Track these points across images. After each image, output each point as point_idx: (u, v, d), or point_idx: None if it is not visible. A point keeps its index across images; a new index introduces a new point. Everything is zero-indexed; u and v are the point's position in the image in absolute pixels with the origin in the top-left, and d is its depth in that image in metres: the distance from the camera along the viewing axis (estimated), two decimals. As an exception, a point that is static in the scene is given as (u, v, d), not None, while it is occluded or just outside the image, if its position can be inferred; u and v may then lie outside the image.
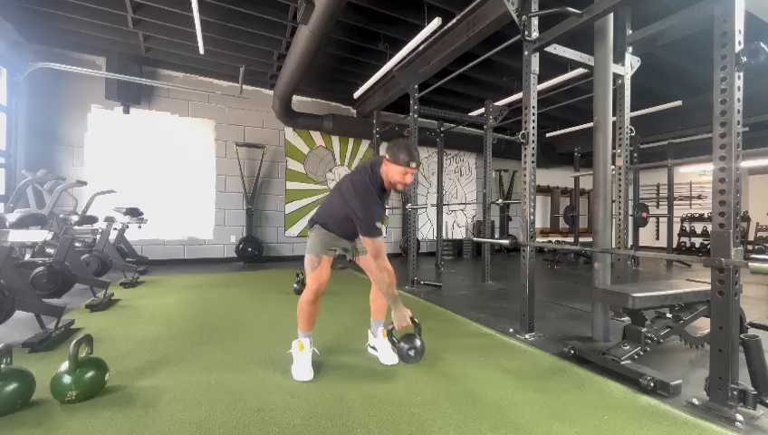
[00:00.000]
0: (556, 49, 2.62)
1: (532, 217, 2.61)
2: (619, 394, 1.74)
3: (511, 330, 2.66)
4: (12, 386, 1.49)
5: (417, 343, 1.95)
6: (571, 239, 8.64)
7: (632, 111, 3.22)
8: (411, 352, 1.93)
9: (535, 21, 2.59)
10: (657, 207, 10.08)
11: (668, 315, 2.15)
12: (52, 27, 4.68)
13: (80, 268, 3.33)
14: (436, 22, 3.67)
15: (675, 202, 7.48)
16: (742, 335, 1.62)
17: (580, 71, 4.55)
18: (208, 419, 1.48)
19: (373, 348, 2.19)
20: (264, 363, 2.02)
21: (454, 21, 3.91)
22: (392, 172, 1.89)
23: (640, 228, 6.88)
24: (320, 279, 1.96)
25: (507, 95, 5.84)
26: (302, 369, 1.88)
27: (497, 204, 7.80)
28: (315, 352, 2.02)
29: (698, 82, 5.39)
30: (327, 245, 2.02)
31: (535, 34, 2.57)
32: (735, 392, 1.54)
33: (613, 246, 2.78)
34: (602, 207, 2.48)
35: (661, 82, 5.75)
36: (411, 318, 1.95)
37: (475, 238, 4.69)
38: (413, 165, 1.87)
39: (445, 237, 8.08)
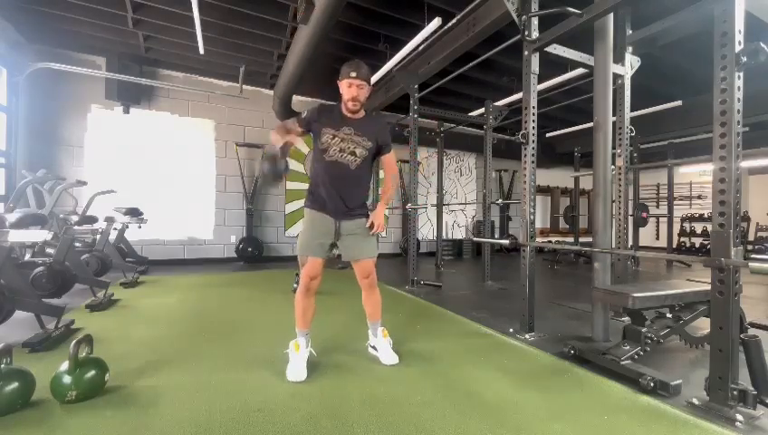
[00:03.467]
0: (556, 49, 2.62)
1: (532, 217, 2.61)
2: (619, 394, 1.74)
3: (511, 330, 2.66)
4: (12, 386, 1.49)
5: (279, 165, 1.88)
6: (571, 239, 8.64)
7: (632, 111, 3.22)
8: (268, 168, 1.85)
9: (535, 21, 2.59)
10: (657, 207, 10.09)
11: (668, 315, 2.15)
12: (52, 27, 4.68)
13: (80, 268, 3.33)
14: (436, 22, 3.67)
15: (675, 202, 7.48)
16: (742, 335, 1.62)
17: (580, 71, 4.55)
18: (208, 419, 1.48)
19: (373, 348, 2.19)
20: (264, 363, 2.02)
21: (454, 21, 3.91)
22: (342, 91, 1.93)
23: (640, 228, 6.87)
24: (310, 273, 1.97)
25: (507, 95, 5.84)
26: (295, 369, 1.88)
27: (497, 204, 7.81)
28: (312, 353, 2.02)
29: (698, 82, 5.39)
30: (313, 244, 1.97)
31: (535, 34, 2.57)
32: (735, 392, 1.54)
33: (613, 246, 2.78)
34: (602, 207, 2.48)
35: (661, 82, 5.75)
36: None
37: (475, 238, 4.70)
38: (353, 74, 1.88)
39: (445, 237, 8.08)
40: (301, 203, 7.06)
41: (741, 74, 1.56)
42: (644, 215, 6.33)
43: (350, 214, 2.01)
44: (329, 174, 1.97)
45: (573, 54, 2.72)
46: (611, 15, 2.47)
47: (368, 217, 2.07)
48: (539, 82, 2.81)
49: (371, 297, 2.15)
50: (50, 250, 3.59)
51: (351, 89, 1.90)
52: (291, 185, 6.83)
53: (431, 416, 1.53)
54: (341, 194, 1.98)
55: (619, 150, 2.94)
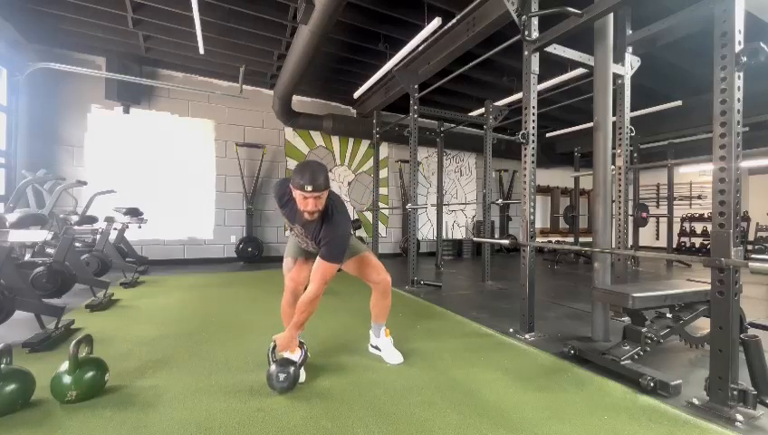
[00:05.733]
0: (556, 49, 2.62)
1: (532, 217, 2.61)
2: (619, 394, 1.74)
3: (511, 330, 2.66)
4: (12, 386, 1.49)
5: (292, 370, 1.70)
6: (571, 239, 8.64)
7: (632, 111, 3.23)
8: (281, 376, 1.68)
9: (535, 21, 2.59)
10: (657, 207, 10.09)
11: (668, 315, 2.15)
12: (52, 27, 4.68)
13: (80, 268, 3.33)
14: (436, 22, 3.67)
15: (675, 202, 7.48)
16: (742, 335, 1.62)
17: (580, 71, 4.55)
18: (208, 419, 1.48)
19: (375, 348, 2.19)
20: (264, 363, 2.01)
21: (454, 21, 3.91)
22: (295, 196, 1.72)
23: (640, 228, 6.87)
24: (295, 279, 1.98)
25: (507, 95, 5.84)
26: None
27: (497, 204, 7.81)
28: (307, 355, 2.01)
29: (698, 82, 5.39)
30: (299, 247, 2.03)
31: (535, 34, 2.57)
32: (735, 392, 1.54)
33: (613, 246, 2.78)
34: (602, 207, 2.48)
35: (661, 82, 5.75)
36: (300, 346, 1.84)
37: (475, 238, 4.68)
38: (308, 188, 1.63)
39: (445, 237, 8.08)
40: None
41: (741, 74, 1.56)
42: (644, 215, 6.33)
43: None
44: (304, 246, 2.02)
45: (573, 54, 2.72)
46: (611, 15, 2.47)
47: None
48: (539, 82, 2.81)
49: (383, 302, 2.13)
50: (50, 250, 3.59)
51: (308, 202, 1.67)
52: (291, 185, 6.83)
53: (431, 416, 1.53)
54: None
55: (619, 150, 2.94)
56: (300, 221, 1.84)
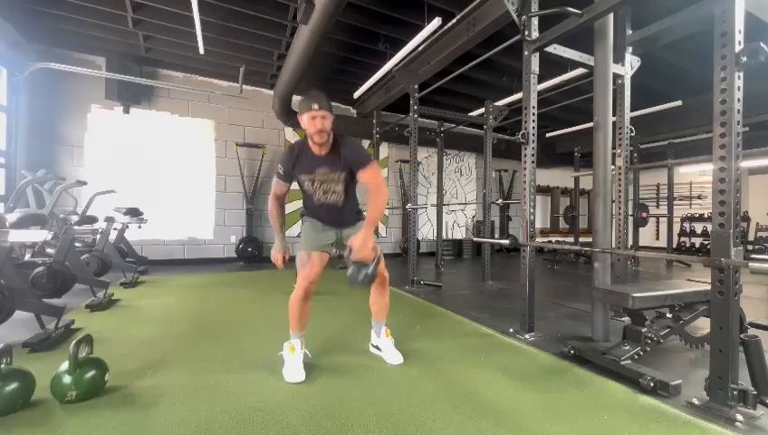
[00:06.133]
0: (556, 49, 2.62)
1: (532, 217, 2.61)
2: (619, 394, 1.74)
3: (511, 330, 2.66)
4: (12, 386, 1.49)
5: (370, 270, 1.85)
6: (571, 239, 8.64)
7: (632, 111, 3.22)
8: (359, 276, 1.83)
9: (535, 21, 2.59)
10: (657, 207, 10.09)
11: (668, 315, 2.14)
12: (52, 27, 4.68)
13: (80, 268, 3.33)
14: (436, 22, 3.67)
15: (675, 202, 7.48)
16: (742, 335, 1.62)
17: (580, 71, 4.55)
18: (208, 419, 1.48)
19: (376, 347, 2.19)
20: (264, 363, 2.02)
21: (454, 21, 3.91)
22: (305, 125, 1.85)
23: (640, 228, 6.88)
24: (309, 277, 1.95)
25: (507, 95, 5.84)
26: (293, 370, 1.86)
27: (497, 204, 7.81)
28: (307, 355, 2.00)
29: (698, 82, 5.39)
30: (315, 240, 2.02)
31: (535, 34, 2.57)
32: (735, 392, 1.54)
33: (613, 246, 2.78)
34: (602, 207, 2.48)
35: (661, 82, 5.75)
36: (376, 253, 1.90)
37: (475, 238, 4.70)
38: (315, 106, 1.79)
39: (445, 237, 8.08)
40: (300, 203, 7.10)
41: (741, 74, 1.55)
42: (644, 215, 6.33)
43: (349, 223, 2.07)
44: (321, 211, 2.03)
45: (573, 54, 2.72)
46: (611, 15, 2.47)
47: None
48: (539, 82, 2.81)
49: (382, 298, 2.15)
50: (50, 250, 3.59)
51: (316, 121, 1.81)
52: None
53: (431, 416, 1.53)
54: (336, 218, 2.05)
55: (619, 150, 2.94)
56: (317, 163, 1.91)
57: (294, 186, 2.07)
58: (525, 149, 2.60)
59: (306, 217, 2.11)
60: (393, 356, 2.08)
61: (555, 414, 1.56)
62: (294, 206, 6.81)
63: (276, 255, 2.04)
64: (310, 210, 2.08)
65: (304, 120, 1.84)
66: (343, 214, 2.05)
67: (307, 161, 1.93)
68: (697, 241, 9.25)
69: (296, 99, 6.55)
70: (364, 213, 2.09)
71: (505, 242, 2.71)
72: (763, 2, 2.09)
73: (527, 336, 2.53)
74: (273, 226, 2.09)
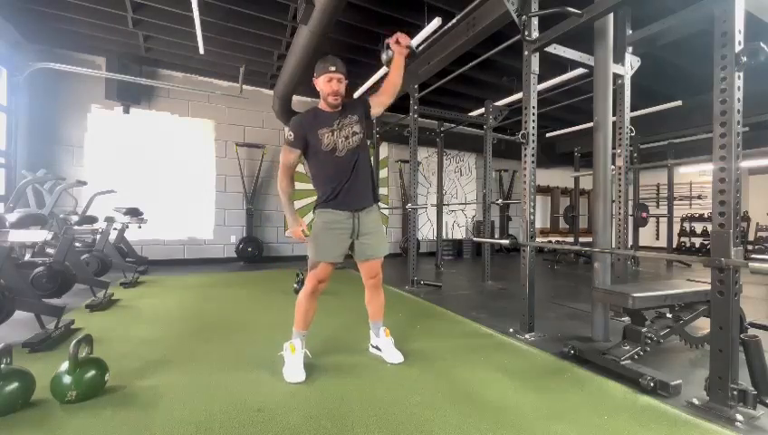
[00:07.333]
0: (556, 49, 2.62)
1: (532, 217, 2.61)
2: (620, 394, 1.74)
3: (511, 330, 2.66)
4: (12, 386, 1.49)
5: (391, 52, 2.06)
6: (571, 239, 8.64)
7: (632, 111, 3.22)
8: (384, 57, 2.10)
9: (535, 21, 2.59)
10: (657, 207, 10.08)
11: (668, 315, 2.14)
12: (52, 27, 4.68)
13: (80, 268, 3.33)
14: (436, 22, 3.67)
15: (675, 202, 7.47)
16: (742, 335, 1.62)
17: (580, 71, 4.55)
18: (208, 419, 1.48)
19: (376, 348, 2.19)
20: (265, 363, 2.02)
21: (454, 21, 3.90)
22: (321, 87, 1.93)
23: (640, 228, 6.87)
24: (318, 277, 1.96)
25: (507, 95, 5.84)
26: (294, 370, 1.86)
27: (497, 204, 7.80)
28: (307, 355, 2.00)
29: (698, 82, 5.38)
30: (333, 250, 1.96)
31: (535, 34, 2.57)
32: (735, 392, 1.54)
33: (613, 246, 2.78)
34: (602, 207, 2.48)
35: (661, 82, 5.75)
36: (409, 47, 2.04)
37: (475, 238, 4.70)
38: (332, 68, 1.89)
39: (445, 237, 8.08)
40: (301, 203, 7.09)
41: (741, 74, 1.55)
42: (644, 215, 6.33)
43: (367, 202, 2.03)
44: (339, 171, 1.96)
45: (573, 54, 2.72)
46: (611, 15, 2.46)
47: (379, 206, 2.11)
48: (539, 82, 2.81)
49: (377, 298, 2.16)
50: (50, 250, 3.59)
51: (332, 83, 1.90)
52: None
53: (431, 416, 1.53)
54: (354, 184, 1.98)
55: (619, 150, 2.94)
56: (333, 117, 1.95)
57: (300, 184, 2.07)
58: (525, 149, 2.60)
59: (320, 209, 2.00)
60: (393, 355, 2.08)
61: (555, 414, 1.56)
62: (295, 205, 6.82)
63: (295, 229, 2.00)
64: (327, 183, 1.97)
65: (320, 81, 1.92)
66: (360, 176, 1.98)
67: (323, 118, 1.96)
68: (697, 241, 9.25)
69: (296, 99, 6.57)
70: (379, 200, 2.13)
71: (505, 242, 2.71)
72: (763, 2, 2.09)
73: (527, 336, 2.53)
74: (283, 201, 2.03)
